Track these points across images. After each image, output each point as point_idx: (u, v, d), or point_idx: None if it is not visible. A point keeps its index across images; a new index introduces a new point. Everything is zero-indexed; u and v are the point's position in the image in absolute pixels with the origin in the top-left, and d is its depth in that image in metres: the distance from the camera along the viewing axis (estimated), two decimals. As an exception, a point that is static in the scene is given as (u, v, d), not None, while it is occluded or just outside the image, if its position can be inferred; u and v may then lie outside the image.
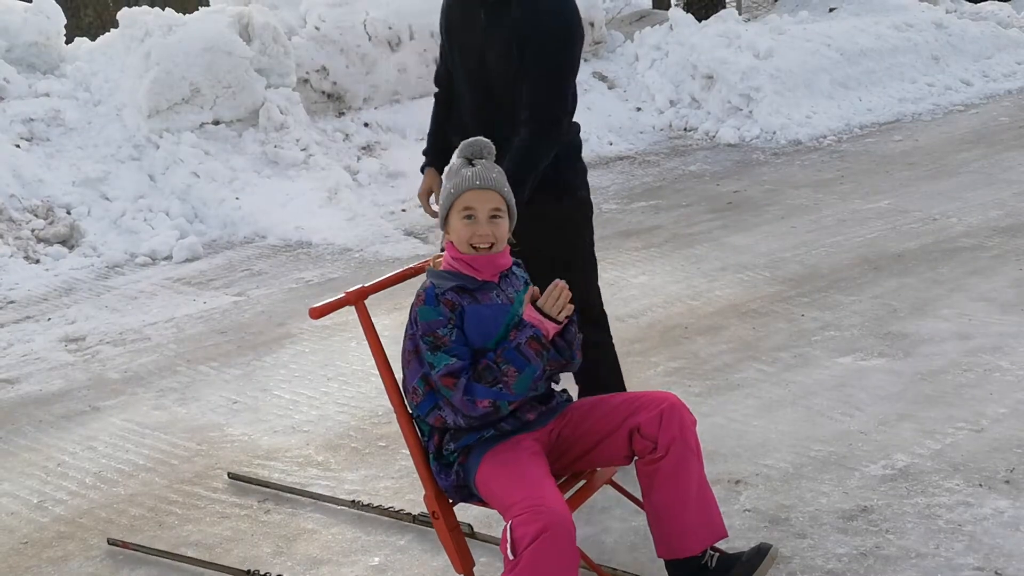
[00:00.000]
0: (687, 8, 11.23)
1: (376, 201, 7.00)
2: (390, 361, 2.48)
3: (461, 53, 2.97)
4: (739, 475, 3.14)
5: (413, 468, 2.44)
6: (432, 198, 3.16)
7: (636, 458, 2.40)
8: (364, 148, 7.69)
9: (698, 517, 2.34)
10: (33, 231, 6.19)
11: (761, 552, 2.37)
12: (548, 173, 2.89)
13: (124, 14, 7.54)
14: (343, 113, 7.94)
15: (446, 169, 2.47)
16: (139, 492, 3.41)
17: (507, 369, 2.29)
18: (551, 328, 2.34)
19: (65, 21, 7.72)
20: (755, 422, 3.50)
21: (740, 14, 10.39)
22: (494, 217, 2.36)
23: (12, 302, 5.53)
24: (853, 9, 10.50)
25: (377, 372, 2.49)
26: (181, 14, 7.49)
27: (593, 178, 7.45)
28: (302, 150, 7.19)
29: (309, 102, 7.70)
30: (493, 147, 2.44)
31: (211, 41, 7.15)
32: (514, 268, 2.50)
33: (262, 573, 2.83)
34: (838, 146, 7.91)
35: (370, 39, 8.07)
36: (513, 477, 2.27)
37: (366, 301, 2.49)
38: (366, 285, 2.49)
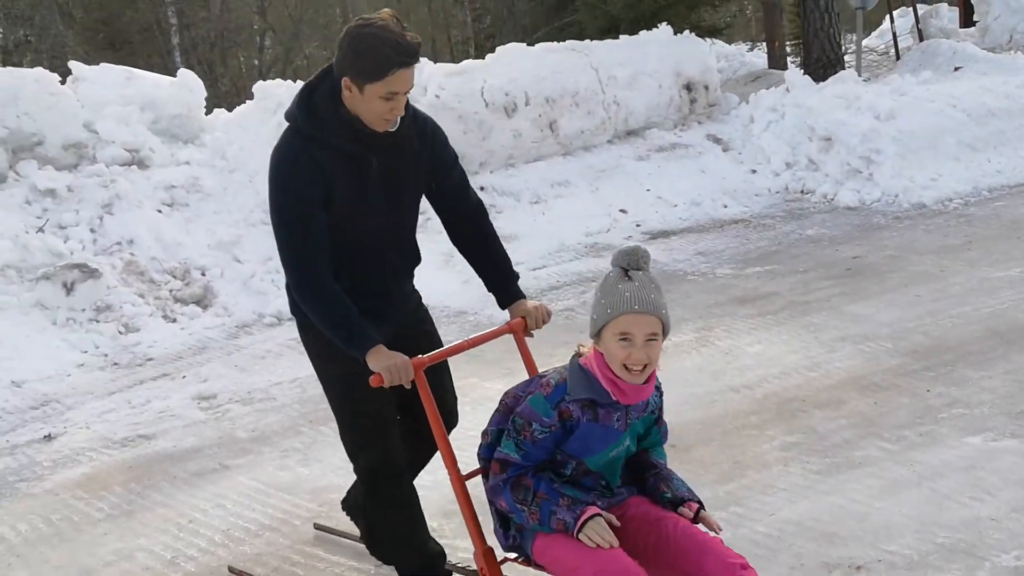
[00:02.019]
0: (804, 69, 11.13)
1: (491, 264, 7.15)
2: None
3: (368, 213, 2.91)
4: (860, 560, 3.05)
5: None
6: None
7: None
8: (480, 212, 7.89)
9: None
10: (171, 291, 6.59)
11: None
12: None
13: (259, 87, 8.05)
14: (460, 178, 8.18)
15: (600, 282, 2.35)
16: (264, 552, 3.55)
17: (535, 509, 2.33)
18: None
19: (205, 93, 8.27)
20: (878, 504, 3.39)
21: (860, 75, 10.21)
22: (650, 340, 2.29)
23: (151, 359, 5.87)
24: (980, 68, 10.18)
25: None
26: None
27: (707, 242, 7.50)
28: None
29: (428, 167, 7.96)
30: (649, 255, 2.34)
31: (338, 111, 7.51)
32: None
33: (378, 639, 2.90)
34: (965, 210, 7.64)
35: (487, 106, 8.32)
36: (575, 543, 2.28)
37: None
38: (423, 356, 2.69)
